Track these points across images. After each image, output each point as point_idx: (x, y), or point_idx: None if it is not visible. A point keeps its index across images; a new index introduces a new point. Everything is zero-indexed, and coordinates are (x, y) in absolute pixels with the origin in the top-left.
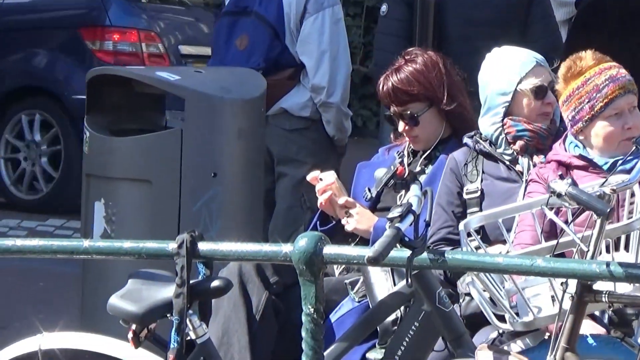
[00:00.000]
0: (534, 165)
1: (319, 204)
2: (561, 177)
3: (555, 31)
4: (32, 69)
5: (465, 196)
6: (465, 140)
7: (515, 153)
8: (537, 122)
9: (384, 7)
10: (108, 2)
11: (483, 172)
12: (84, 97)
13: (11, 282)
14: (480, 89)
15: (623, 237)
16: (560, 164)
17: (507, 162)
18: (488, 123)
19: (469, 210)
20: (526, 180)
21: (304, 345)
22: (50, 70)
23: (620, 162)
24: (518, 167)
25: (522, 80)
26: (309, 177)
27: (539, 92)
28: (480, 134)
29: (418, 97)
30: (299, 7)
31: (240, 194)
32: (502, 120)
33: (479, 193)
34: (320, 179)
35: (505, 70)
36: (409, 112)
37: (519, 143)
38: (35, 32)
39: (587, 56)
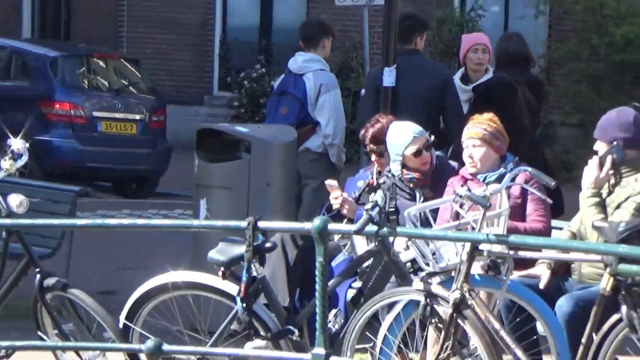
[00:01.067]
0: (423, 194)
1: (335, 205)
2: (462, 185)
3: (459, 114)
4: None
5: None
6: (384, 174)
7: (411, 185)
8: (420, 169)
9: (362, 91)
10: None
11: (397, 193)
12: None
13: (146, 247)
14: (387, 145)
15: (496, 220)
16: (462, 178)
17: (408, 191)
18: (395, 169)
19: (391, 217)
20: (420, 199)
21: (317, 279)
22: None
23: (485, 177)
24: (415, 194)
25: (407, 147)
26: (326, 182)
27: (417, 154)
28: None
29: (384, 141)
30: (316, 89)
31: (282, 196)
32: (401, 169)
33: (394, 208)
34: (330, 185)
35: (396, 142)
36: (378, 149)
37: (412, 183)
38: None
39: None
